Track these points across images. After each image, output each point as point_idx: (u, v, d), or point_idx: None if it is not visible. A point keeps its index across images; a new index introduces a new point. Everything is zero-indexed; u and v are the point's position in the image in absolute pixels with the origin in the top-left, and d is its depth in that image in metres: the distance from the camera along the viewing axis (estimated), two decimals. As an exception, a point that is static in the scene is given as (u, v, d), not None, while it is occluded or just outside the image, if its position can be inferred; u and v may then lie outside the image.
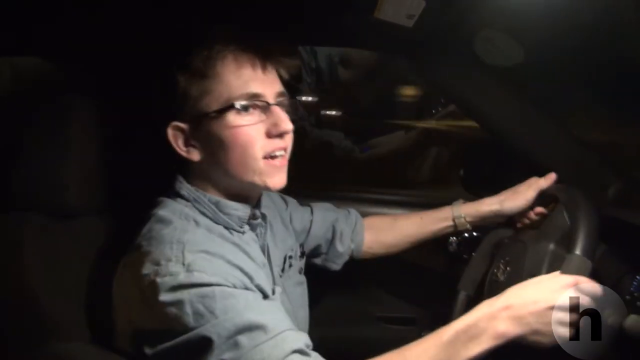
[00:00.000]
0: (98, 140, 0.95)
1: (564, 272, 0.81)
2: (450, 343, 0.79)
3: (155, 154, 0.95)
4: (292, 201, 1.23)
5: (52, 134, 0.90)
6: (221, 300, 0.76)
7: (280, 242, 1.08)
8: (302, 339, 0.80)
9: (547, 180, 1.12)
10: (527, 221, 1.16)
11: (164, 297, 0.76)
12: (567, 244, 0.88)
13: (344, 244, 1.24)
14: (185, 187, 0.89)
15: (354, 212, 1.29)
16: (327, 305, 1.50)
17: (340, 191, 1.65)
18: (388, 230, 1.27)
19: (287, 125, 0.87)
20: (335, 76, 1.93)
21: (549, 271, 0.91)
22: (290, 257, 1.11)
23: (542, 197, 1.12)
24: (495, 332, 0.78)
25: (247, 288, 0.81)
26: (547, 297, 0.78)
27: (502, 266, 1.07)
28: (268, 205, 1.10)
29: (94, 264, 0.94)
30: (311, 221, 1.22)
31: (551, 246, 0.96)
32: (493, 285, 1.09)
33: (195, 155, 0.88)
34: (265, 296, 0.85)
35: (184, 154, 0.88)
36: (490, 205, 1.17)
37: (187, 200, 0.89)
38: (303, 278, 1.15)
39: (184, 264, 0.77)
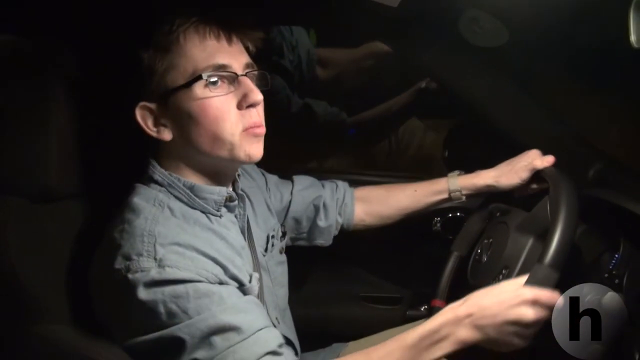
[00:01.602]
0: (77, 121, 0.93)
1: (529, 281, 0.82)
2: (413, 346, 0.81)
3: (130, 136, 0.94)
4: (272, 178, 1.22)
5: (30, 115, 0.88)
6: (195, 300, 0.76)
7: (262, 222, 1.08)
8: (275, 340, 0.81)
9: (543, 162, 1.09)
10: (520, 192, 1.15)
11: (137, 294, 0.75)
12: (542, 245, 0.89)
13: (329, 219, 1.23)
14: (158, 172, 0.87)
15: (342, 185, 1.28)
16: (312, 285, 1.51)
17: (328, 172, 1.66)
18: (381, 202, 1.26)
19: (257, 95, 0.85)
20: (313, 71, 1.93)
21: (522, 267, 0.94)
22: (273, 236, 1.11)
23: (538, 177, 1.11)
24: (457, 338, 0.81)
25: (221, 282, 0.81)
26: (506, 312, 0.80)
27: (485, 247, 1.08)
28: (250, 185, 1.10)
29: (76, 247, 0.93)
30: (290, 201, 1.20)
31: (530, 241, 0.97)
32: (475, 265, 1.10)
33: (166, 135, 0.85)
34: (241, 285, 0.85)
35: (154, 134, 0.86)
36: (485, 179, 1.16)
37: (160, 185, 0.87)
38: (284, 257, 1.15)
39: (155, 259, 0.76)
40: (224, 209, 0.92)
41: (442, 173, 1.24)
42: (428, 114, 1.92)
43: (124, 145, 1.05)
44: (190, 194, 0.87)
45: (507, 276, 0.95)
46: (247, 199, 1.01)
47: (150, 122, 0.85)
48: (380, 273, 1.56)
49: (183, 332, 0.75)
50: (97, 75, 0.99)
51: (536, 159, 1.10)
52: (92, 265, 0.85)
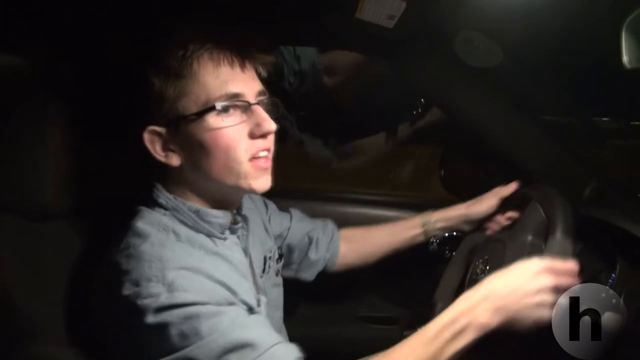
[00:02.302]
0: (75, 140, 0.93)
1: (548, 252, 0.83)
2: (434, 340, 0.79)
3: (133, 157, 0.93)
4: (272, 205, 1.22)
5: (27, 133, 0.88)
6: (206, 320, 0.74)
7: (260, 244, 1.07)
8: (293, 353, 0.79)
9: (508, 188, 1.18)
10: (496, 226, 1.19)
11: (147, 320, 0.74)
12: (545, 234, 0.90)
13: (319, 252, 1.24)
14: (163, 196, 0.86)
15: (331, 223, 1.29)
16: (308, 305, 1.50)
17: (323, 192, 1.65)
18: (361, 240, 1.29)
19: (270, 125, 0.84)
20: (319, 82, 1.94)
21: None
22: (270, 257, 1.11)
23: (515, 199, 1.13)
24: (478, 324, 0.79)
25: (231, 304, 0.79)
26: (524, 283, 0.80)
27: (481, 265, 1.08)
28: (249, 207, 1.09)
29: (72, 267, 0.92)
30: (288, 228, 1.21)
31: (529, 237, 0.98)
32: (473, 284, 1.09)
33: (174, 161, 0.84)
34: (250, 309, 0.83)
35: (162, 159, 0.84)
36: (458, 210, 1.23)
37: (165, 209, 0.85)
38: (280, 280, 1.15)
39: (164, 284, 0.75)
40: (227, 232, 0.91)
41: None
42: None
43: (123, 167, 1.05)
44: (196, 218, 0.86)
45: None
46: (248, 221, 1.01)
47: (158, 147, 0.84)
48: (376, 293, 1.55)
49: (197, 354, 0.73)
50: (98, 96, 0.99)
51: (502, 188, 1.19)
52: (94, 290, 0.83)
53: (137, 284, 0.75)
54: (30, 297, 0.82)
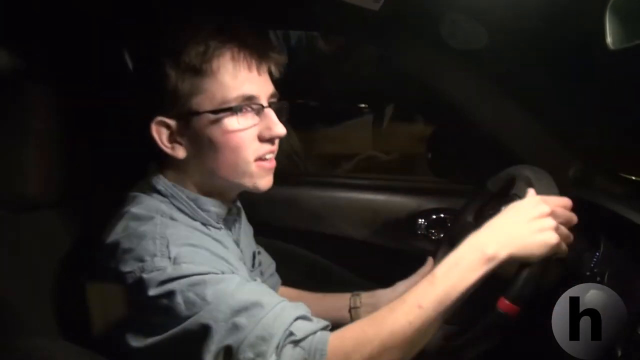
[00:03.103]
0: (58, 128, 0.92)
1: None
2: (445, 277, 0.79)
3: (121, 145, 0.92)
4: None
5: (7, 122, 0.87)
6: (212, 286, 0.75)
7: (248, 241, 1.08)
8: (301, 307, 0.79)
9: (426, 267, 1.12)
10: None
11: (153, 291, 0.74)
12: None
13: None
14: (162, 182, 0.87)
15: (277, 276, 1.21)
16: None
17: (311, 176, 1.66)
18: (294, 300, 1.21)
19: (281, 129, 0.86)
20: (314, 50, 1.91)
21: None
22: (259, 253, 1.12)
23: (500, 180, 1.11)
24: (486, 256, 0.79)
25: (234, 273, 0.80)
26: (525, 212, 0.81)
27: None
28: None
29: (60, 257, 0.92)
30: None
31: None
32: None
33: (180, 152, 0.85)
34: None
35: (168, 150, 0.85)
36: (384, 295, 1.14)
37: (163, 195, 0.86)
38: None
39: (169, 258, 0.76)
40: (222, 222, 0.92)
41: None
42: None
43: (109, 155, 1.04)
44: (194, 205, 0.87)
45: None
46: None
47: (164, 138, 0.84)
48: (366, 277, 1.55)
49: (206, 318, 0.73)
50: (87, 84, 0.97)
51: (425, 267, 1.13)
52: (92, 274, 0.83)
53: (141, 259, 0.76)
54: (17, 290, 0.81)
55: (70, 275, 0.89)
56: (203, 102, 0.82)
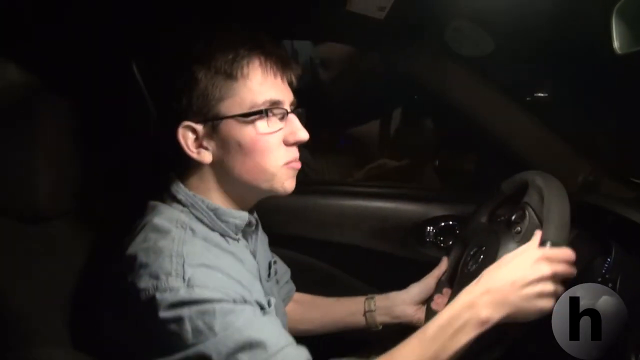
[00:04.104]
0: (69, 138, 0.93)
1: (544, 239, 0.83)
2: (435, 338, 0.80)
3: (134, 155, 0.93)
4: None
5: (19, 133, 0.87)
6: (221, 317, 0.74)
7: (264, 250, 1.08)
8: (303, 355, 0.80)
9: (440, 267, 1.14)
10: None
11: (163, 313, 0.74)
12: (540, 223, 0.89)
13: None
14: (182, 191, 0.86)
15: (291, 283, 1.23)
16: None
17: (318, 185, 1.65)
18: (308, 307, 1.22)
19: (305, 134, 0.88)
20: (316, 76, 1.94)
21: None
22: (275, 262, 1.11)
23: (512, 185, 1.11)
24: (479, 319, 0.79)
25: (246, 301, 0.80)
26: (523, 274, 0.80)
27: (474, 254, 1.06)
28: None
29: (71, 267, 0.92)
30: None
31: (524, 226, 0.96)
32: (466, 274, 1.08)
33: (206, 157, 0.85)
34: (262, 308, 0.84)
35: (194, 155, 0.85)
36: (397, 296, 1.15)
37: (183, 205, 0.86)
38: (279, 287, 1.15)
39: (184, 279, 0.75)
40: (240, 233, 0.92)
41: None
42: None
43: (119, 165, 1.05)
44: (213, 216, 0.86)
45: None
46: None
47: (190, 142, 0.85)
48: (376, 285, 1.55)
49: (209, 350, 0.73)
50: (98, 92, 0.98)
51: (434, 271, 1.15)
52: (105, 282, 0.83)
53: (156, 277, 0.76)
54: (29, 301, 0.81)
55: (82, 284, 0.89)
56: (232, 106, 0.83)
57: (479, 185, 1.39)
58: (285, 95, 0.87)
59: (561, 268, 0.81)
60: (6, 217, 0.86)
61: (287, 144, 0.87)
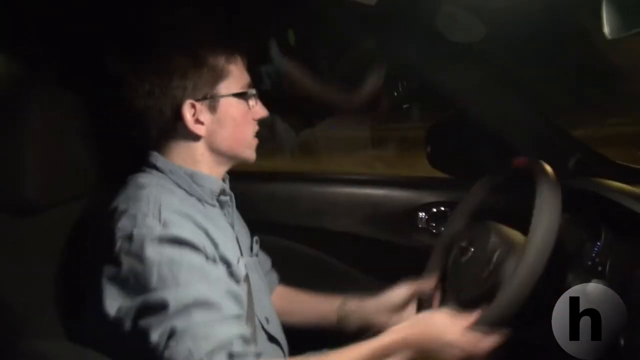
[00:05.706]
0: (57, 129, 0.92)
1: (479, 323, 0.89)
2: (367, 357, 0.88)
3: (120, 144, 0.92)
4: None
5: (6, 125, 0.86)
6: (188, 270, 0.80)
7: (242, 226, 1.12)
8: (248, 330, 0.85)
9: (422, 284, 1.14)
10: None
11: (137, 249, 0.79)
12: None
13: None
14: (160, 160, 0.94)
15: (275, 273, 1.24)
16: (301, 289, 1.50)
17: (310, 173, 1.66)
18: (289, 300, 1.23)
19: (266, 111, 1.01)
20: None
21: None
22: (257, 242, 1.14)
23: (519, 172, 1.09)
24: (403, 356, 0.90)
25: (214, 258, 0.86)
26: (446, 350, 0.91)
27: (464, 248, 1.03)
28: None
29: (62, 258, 0.92)
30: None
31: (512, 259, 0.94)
32: (456, 267, 1.07)
33: (202, 131, 0.93)
34: (229, 265, 0.89)
35: (196, 130, 0.93)
36: (371, 303, 1.15)
37: (161, 171, 0.93)
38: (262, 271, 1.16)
39: (160, 220, 0.82)
40: (216, 201, 0.98)
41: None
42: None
43: (107, 154, 1.04)
44: (190, 180, 0.94)
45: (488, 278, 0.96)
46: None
47: (190, 117, 0.92)
48: (367, 271, 1.56)
49: (170, 297, 0.78)
50: (86, 82, 0.97)
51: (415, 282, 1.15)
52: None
53: (134, 217, 0.82)
54: (22, 293, 0.81)
55: (73, 275, 0.89)
56: (231, 85, 0.94)
57: (470, 171, 1.39)
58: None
59: (480, 352, 0.90)
60: (-3, 210, 0.85)
61: (254, 119, 1.00)
